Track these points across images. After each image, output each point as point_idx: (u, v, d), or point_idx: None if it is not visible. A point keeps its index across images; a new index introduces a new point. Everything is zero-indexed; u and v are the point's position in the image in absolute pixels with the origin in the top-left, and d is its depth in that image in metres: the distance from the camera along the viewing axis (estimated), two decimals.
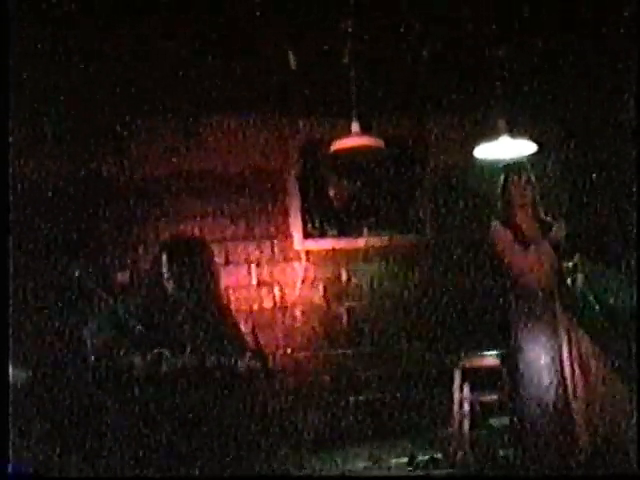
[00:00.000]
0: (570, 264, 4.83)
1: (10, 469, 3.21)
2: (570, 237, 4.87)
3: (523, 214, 4.96)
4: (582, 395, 4.69)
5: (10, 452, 3.16)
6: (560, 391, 4.69)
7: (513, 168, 5.05)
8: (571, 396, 4.67)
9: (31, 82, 4.91)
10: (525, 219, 4.95)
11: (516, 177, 4.97)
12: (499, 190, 5.05)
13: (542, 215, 4.96)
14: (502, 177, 5.04)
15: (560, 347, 4.73)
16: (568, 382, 4.70)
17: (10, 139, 3.29)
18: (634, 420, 4.59)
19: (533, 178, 4.96)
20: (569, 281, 4.79)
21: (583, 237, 4.92)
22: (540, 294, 4.82)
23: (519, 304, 4.93)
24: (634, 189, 4.82)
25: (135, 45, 5.29)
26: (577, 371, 4.73)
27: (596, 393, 4.72)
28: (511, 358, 4.99)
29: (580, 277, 4.81)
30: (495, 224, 5.04)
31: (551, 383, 4.72)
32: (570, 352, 4.75)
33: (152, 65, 5.56)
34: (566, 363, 4.73)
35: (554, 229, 4.90)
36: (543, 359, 4.78)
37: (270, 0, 4.91)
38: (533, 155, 5.54)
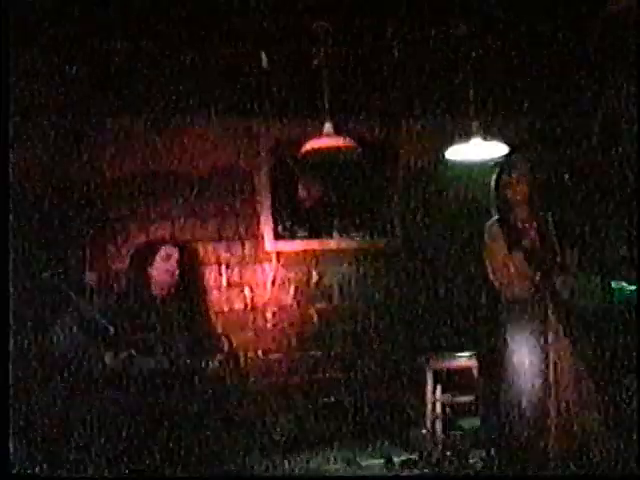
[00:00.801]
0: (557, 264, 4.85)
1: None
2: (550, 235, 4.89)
3: (517, 212, 4.97)
4: (558, 398, 4.70)
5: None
6: (539, 393, 4.70)
7: (506, 165, 5.06)
8: (549, 399, 4.69)
9: None
10: (518, 217, 4.96)
11: (510, 174, 4.97)
12: (493, 186, 5.03)
13: (537, 213, 4.96)
14: (495, 174, 5.04)
15: (545, 349, 4.74)
16: (548, 383, 4.71)
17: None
18: (604, 428, 4.62)
19: (527, 174, 4.96)
20: (557, 283, 4.80)
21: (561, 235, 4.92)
22: (531, 295, 4.83)
23: (509, 304, 4.93)
24: (609, 188, 4.87)
25: (104, 44, 5.25)
26: (557, 374, 4.75)
27: (571, 397, 4.73)
28: (494, 357, 4.99)
29: (563, 278, 4.82)
30: (490, 223, 5.03)
31: (532, 384, 4.73)
32: (553, 354, 4.76)
33: (120, 65, 5.50)
34: (549, 364, 4.74)
35: (537, 226, 4.92)
36: (528, 359, 4.79)
37: (243, 0, 4.89)
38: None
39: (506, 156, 5.42)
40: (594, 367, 4.72)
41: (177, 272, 4.96)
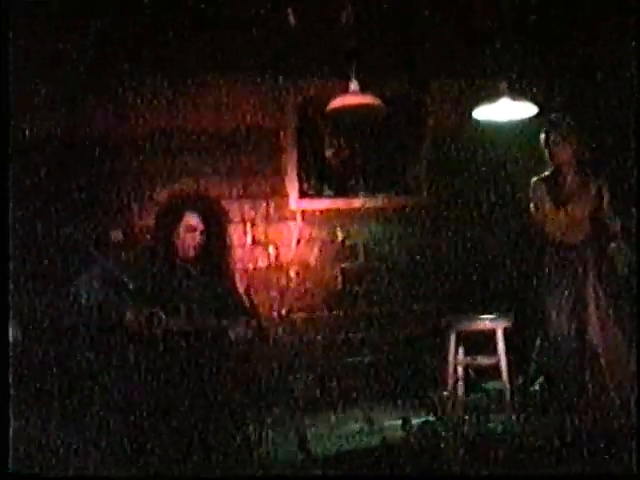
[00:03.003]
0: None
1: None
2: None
3: (565, 170, 4.99)
4: (602, 358, 4.72)
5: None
6: (577, 355, 4.72)
7: (554, 124, 5.08)
8: (586, 362, 4.70)
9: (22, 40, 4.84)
10: (567, 175, 4.99)
11: (557, 133, 5.00)
12: (542, 145, 5.17)
13: (584, 174, 4.99)
14: (543, 133, 5.18)
15: (586, 307, 4.76)
16: (585, 345, 4.72)
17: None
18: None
19: (573, 134, 4.99)
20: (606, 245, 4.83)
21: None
22: (573, 251, 4.86)
23: (550, 260, 4.96)
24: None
25: (131, 3, 5.22)
26: (599, 333, 4.75)
27: (612, 356, 4.74)
28: (528, 318, 5.04)
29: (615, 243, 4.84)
30: (535, 180, 5.17)
31: (570, 344, 4.74)
32: (594, 312, 4.77)
33: (147, 23, 5.48)
34: (590, 323, 4.75)
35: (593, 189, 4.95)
36: (566, 320, 4.80)
37: None
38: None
39: (554, 115, 5.38)
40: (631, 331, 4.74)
41: (201, 240, 4.93)
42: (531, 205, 5.22)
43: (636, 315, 4.66)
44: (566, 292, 4.91)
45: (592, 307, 4.84)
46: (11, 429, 2.97)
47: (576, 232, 4.99)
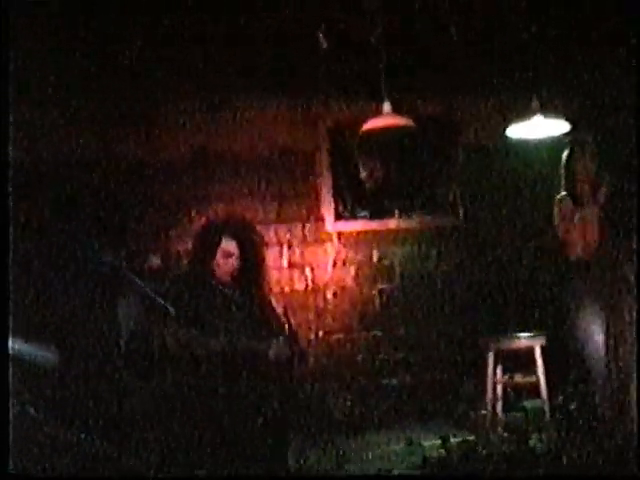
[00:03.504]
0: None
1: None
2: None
3: (584, 187, 4.99)
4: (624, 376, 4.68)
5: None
6: (608, 370, 4.70)
7: (578, 141, 5.10)
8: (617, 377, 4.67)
9: (57, 65, 4.94)
10: (585, 192, 5.01)
11: (581, 151, 5.02)
12: (563, 163, 5.18)
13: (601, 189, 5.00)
14: (567, 151, 5.18)
15: (614, 326, 4.73)
16: (616, 361, 4.70)
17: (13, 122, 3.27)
18: None
19: (596, 152, 5.00)
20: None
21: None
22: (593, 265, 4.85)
23: (575, 277, 4.96)
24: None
25: (164, 24, 5.28)
26: (625, 351, 4.72)
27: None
28: (562, 336, 5.02)
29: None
30: (560, 196, 5.18)
31: (602, 361, 4.72)
32: (621, 331, 4.73)
33: (180, 44, 5.54)
34: (617, 342, 4.72)
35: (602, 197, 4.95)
36: (597, 337, 4.78)
37: None
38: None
39: (578, 133, 5.39)
40: None
41: (238, 266, 4.97)
42: (555, 221, 5.22)
43: (636, 318, 4.61)
44: (595, 309, 4.88)
45: (626, 322, 4.79)
46: (11, 429, 3.00)
47: (594, 249, 4.97)
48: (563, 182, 5.21)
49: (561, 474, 4.28)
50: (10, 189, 2.76)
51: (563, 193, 5.19)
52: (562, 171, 5.21)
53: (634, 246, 4.86)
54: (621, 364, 4.70)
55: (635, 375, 4.62)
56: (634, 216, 4.77)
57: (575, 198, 5.13)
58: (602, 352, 4.80)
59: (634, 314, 4.77)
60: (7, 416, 2.91)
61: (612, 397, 4.71)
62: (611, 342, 4.73)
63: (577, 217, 5.05)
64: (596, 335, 4.85)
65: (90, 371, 4.73)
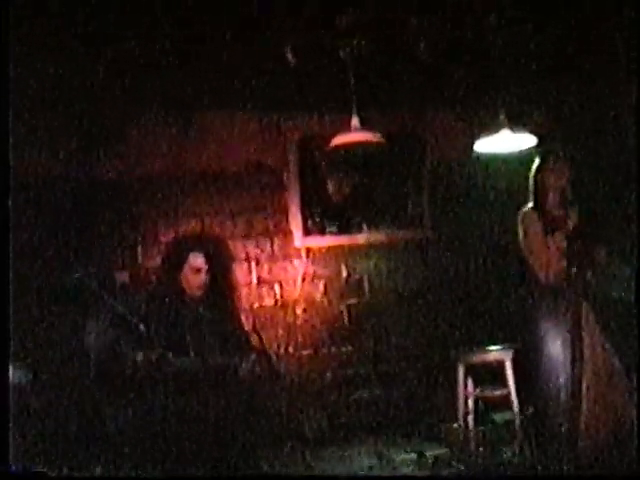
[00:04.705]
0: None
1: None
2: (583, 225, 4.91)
3: (553, 199, 5.00)
4: (592, 391, 4.68)
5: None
6: (574, 384, 4.69)
7: (549, 152, 5.11)
8: (582, 391, 4.66)
9: (27, 80, 4.89)
10: (554, 205, 4.99)
11: (551, 162, 5.03)
12: (532, 174, 5.13)
13: (568, 202, 5.00)
14: (537, 161, 5.14)
15: (579, 339, 4.73)
16: (581, 375, 4.69)
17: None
18: (634, 418, 4.59)
19: (567, 164, 5.01)
20: (586, 271, 4.82)
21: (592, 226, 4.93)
22: (565, 282, 4.84)
23: (544, 293, 4.95)
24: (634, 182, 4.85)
25: (131, 41, 5.26)
26: (591, 365, 4.73)
27: (603, 389, 4.71)
28: (529, 349, 5.01)
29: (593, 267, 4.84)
30: (525, 209, 5.13)
31: (567, 375, 4.71)
32: (587, 345, 4.74)
33: (148, 61, 5.52)
34: (583, 355, 4.73)
35: (570, 216, 4.95)
36: (562, 350, 4.78)
37: None
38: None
39: (547, 146, 5.42)
40: (627, 358, 4.71)
41: (206, 280, 4.96)
42: (520, 235, 5.16)
43: (636, 325, 4.65)
44: (560, 320, 4.88)
45: (587, 337, 4.81)
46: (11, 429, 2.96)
47: (562, 262, 4.96)
48: (531, 195, 5.16)
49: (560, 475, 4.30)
50: None
51: (529, 206, 5.14)
52: (530, 183, 5.17)
53: (601, 261, 4.92)
54: (579, 377, 4.71)
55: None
56: (604, 228, 4.83)
57: (543, 211, 5.09)
58: (567, 365, 4.81)
59: (597, 329, 4.81)
60: (7, 416, 2.88)
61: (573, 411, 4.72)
62: (569, 354, 4.75)
63: (544, 231, 5.00)
64: (561, 349, 4.85)
65: (61, 389, 4.66)
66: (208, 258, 5.01)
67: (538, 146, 5.55)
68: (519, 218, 5.13)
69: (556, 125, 6.41)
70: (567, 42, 5.61)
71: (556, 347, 4.85)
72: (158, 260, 5.78)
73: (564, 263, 4.83)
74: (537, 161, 5.14)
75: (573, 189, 4.97)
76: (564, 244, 4.87)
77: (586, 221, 4.93)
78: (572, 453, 4.58)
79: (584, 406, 4.65)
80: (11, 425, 3.11)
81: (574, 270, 4.77)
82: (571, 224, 4.89)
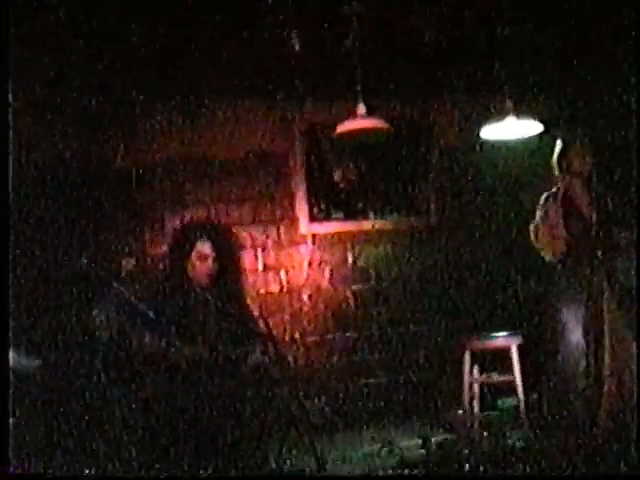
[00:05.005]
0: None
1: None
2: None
3: (578, 185, 4.99)
4: (611, 378, 4.71)
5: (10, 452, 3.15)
6: (590, 369, 4.72)
7: (572, 137, 5.10)
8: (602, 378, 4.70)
9: (33, 66, 4.90)
10: (579, 191, 4.99)
11: (576, 146, 5.02)
12: (555, 158, 5.11)
13: (596, 189, 4.99)
14: (559, 146, 5.11)
15: (598, 325, 4.75)
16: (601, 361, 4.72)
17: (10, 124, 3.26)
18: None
19: (591, 148, 4.99)
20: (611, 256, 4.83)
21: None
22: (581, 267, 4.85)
23: (562, 278, 4.96)
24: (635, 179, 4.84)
25: (140, 29, 5.26)
26: (609, 351, 4.75)
27: (622, 376, 4.73)
28: (541, 335, 5.03)
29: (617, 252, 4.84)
30: (548, 194, 5.11)
31: (584, 360, 4.74)
32: (607, 331, 4.76)
33: (154, 49, 5.52)
34: (601, 341, 4.75)
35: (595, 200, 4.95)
36: (580, 336, 4.81)
37: None
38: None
39: (569, 130, 5.39)
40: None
41: (214, 268, 4.97)
42: (537, 221, 5.19)
43: (636, 316, 4.66)
44: (579, 306, 4.90)
45: (605, 320, 4.83)
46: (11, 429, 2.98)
47: (585, 246, 4.97)
48: (555, 179, 5.15)
49: (561, 475, 4.30)
50: None
51: (553, 190, 5.13)
52: (554, 167, 5.15)
53: (624, 246, 4.91)
54: (600, 362, 4.74)
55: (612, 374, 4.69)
56: (626, 214, 4.81)
57: (567, 196, 5.07)
58: (580, 350, 4.83)
59: (613, 312, 4.82)
60: (7, 416, 2.90)
61: (589, 396, 4.75)
62: (590, 340, 4.76)
63: (567, 216, 5.02)
64: (574, 333, 4.88)
65: (69, 377, 4.68)
66: (215, 246, 5.01)
67: (560, 131, 5.49)
68: (541, 202, 5.13)
69: (573, 110, 6.37)
70: (574, 29, 5.60)
71: (576, 333, 4.87)
72: (165, 247, 5.78)
73: (585, 248, 4.85)
74: (559, 145, 5.12)
75: (597, 174, 4.97)
76: (588, 229, 4.88)
77: (610, 206, 4.94)
78: (589, 439, 4.62)
79: (603, 393, 4.69)
80: (16, 415, 3.14)
81: (599, 255, 4.80)
82: (596, 209, 4.89)
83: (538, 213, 5.14)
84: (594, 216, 4.91)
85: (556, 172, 5.14)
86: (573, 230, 4.97)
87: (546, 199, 5.13)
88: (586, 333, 4.79)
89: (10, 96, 3.22)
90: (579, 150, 5.04)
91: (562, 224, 4.99)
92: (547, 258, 5.09)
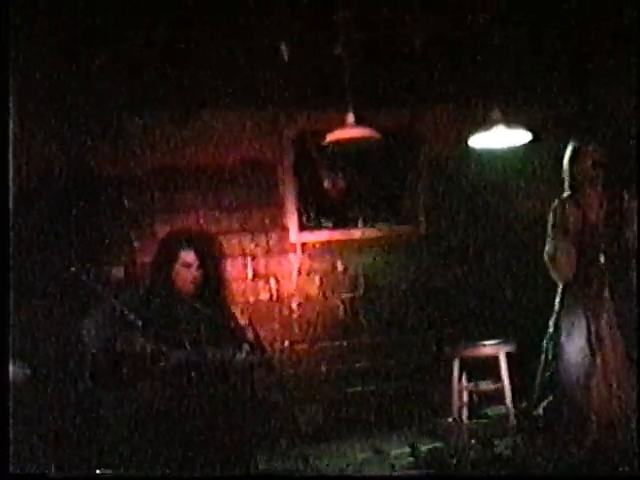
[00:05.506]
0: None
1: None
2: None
3: (591, 190, 4.99)
4: (605, 385, 4.72)
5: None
6: (587, 378, 4.73)
7: (583, 142, 5.04)
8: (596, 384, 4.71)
9: (26, 75, 4.91)
10: (593, 195, 4.97)
11: (586, 152, 4.98)
12: (567, 163, 5.05)
13: (611, 194, 4.96)
14: (570, 151, 5.04)
15: (598, 334, 4.75)
16: (596, 369, 4.73)
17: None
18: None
19: (604, 152, 4.98)
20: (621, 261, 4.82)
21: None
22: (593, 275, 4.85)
23: (567, 285, 4.94)
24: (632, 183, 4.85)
25: (128, 38, 5.28)
26: (607, 360, 4.75)
27: (617, 383, 4.73)
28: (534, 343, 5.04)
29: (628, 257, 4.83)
30: (558, 200, 5.04)
31: (582, 369, 4.75)
32: (606, 339, 4.77)
33: (145, 58, 5.55)
34: (600, 350, 4.75)
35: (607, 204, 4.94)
36: (578, 344, 4.81)
37: None
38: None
39: (582, 135, 5.37)
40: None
41: (199, 275, 5.01)
42: (549, 226, 5.05)
43: (636, 316, 4.66)
44: (580, 312, 4.88)
45: (605, 327, 4.82)
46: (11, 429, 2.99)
47: (598, 249, 4.93)
48: (567, 184, 5.06)
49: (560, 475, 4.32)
50: None
51: (566, 194, 5.04)
52: (566, 172, 5.06)
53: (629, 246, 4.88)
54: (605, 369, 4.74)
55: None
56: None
57: (578, 200, 5.00)
58: (580, 358, 4.82)
59: (615, 320, 4.82)
60: (7, 416, 2.90)
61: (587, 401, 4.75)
62: (594, 347, 4.76)
63: (580, 220, 4.94)
64: (575, 340, 4.87)
65: (58, 385, 4.68)
66: (199, 254, 5.07)
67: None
68: (552, 207, 5.04)
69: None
70: (563, 36, 5.64)
71: (572, 341, 4.87)
72: (152, 256, 5.80)
73: (593, 254, 4.84)
74: (570, 150, 5.04)
75: (608, 177, 4.95)
76: (596, 234, 4.88)
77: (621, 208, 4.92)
78: (582, 446, 4.63)
79: (597, 400, 4.69)
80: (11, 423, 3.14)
81: (606, 259, 4.79)
82: (608, 213, 4.90)
83: (550, 217, 5.11)
84: (603, 221, 4.90)
85: (566, 176, 5.07)
86: (585, 235, 4.94)
87: (560, 203, 5.03)
88: (587, 341, 4.78)
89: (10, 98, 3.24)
90: (593, 154, 4.99)
91: (576, 230, 4.95)
92: (558, 280, 5.03)
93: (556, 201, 5.03)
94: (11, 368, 3.66)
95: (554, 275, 4.93)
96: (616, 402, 4.70)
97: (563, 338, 4.93)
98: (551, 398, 4.99)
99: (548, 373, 5.00)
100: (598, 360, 4.74)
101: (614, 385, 4.72)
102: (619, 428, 4.64)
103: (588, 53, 5.91)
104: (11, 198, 3.76)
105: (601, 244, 4.85)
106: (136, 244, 6.15)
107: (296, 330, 6.39)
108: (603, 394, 4.71)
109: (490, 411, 6.00)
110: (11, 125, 3.19)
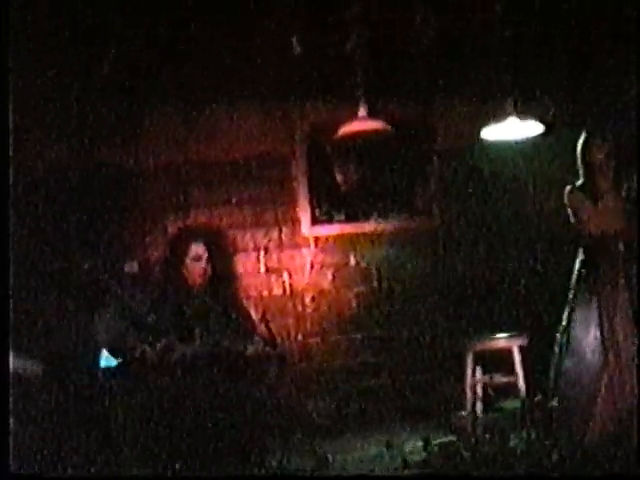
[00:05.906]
0: None
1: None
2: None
3: (603, 179, 4.97)
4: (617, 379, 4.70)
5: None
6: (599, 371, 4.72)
7: (595, 132, 5.06)
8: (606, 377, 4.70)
9: (36, 72, 4.93)
10: (605, 184, 4.99)
11: (598, 141, 4.99)
12: (579, 153, 5.08)
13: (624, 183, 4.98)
14: (582, 140, 5.07)
15: (612, 326, 4.74)
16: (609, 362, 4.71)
17: (11, 128, 3.27)
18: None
19: (615, 141, 4.97)
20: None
21: None
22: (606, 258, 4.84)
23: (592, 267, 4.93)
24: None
25: (141, 32, 5.29)
26: (620, 352, 4.74)
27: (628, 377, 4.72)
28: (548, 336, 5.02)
29: None
30: (570, 188, 5.09)
31: (596, 362, 4.74)
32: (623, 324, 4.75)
33: (157, 52, 5.55)
34: (612, 343, 4.74)
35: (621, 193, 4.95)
36: (592, 337, 4.80)
37: None
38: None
39: (594, 123, 5.36)
40: None
41: (209, 268, 5.03)
42: (569, 212, 5.12)
43: (636, 313, 4.65)
44: (595, 303, 4.86)
45: (619, 319, 4.79)
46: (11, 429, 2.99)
47: (614, 235, 4.92)
48: (581, 172, 5.10)
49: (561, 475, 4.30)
50: None
51: (578, 183, 5.10)
52: (579, 161, 5.10)
53: None
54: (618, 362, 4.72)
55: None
56: None
57: (592, 189, 5.06)
58: (593, 350, 4.81)
59: (630, 312, 4.79)
60: (7, 416, 2.91)
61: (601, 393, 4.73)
62: (607, 340, 4.74)
63: (595, 209, 5.00)
64: (589, 332, 4.85)
65: (70, 381, 4.69)
66: (208, 247, 5.10)
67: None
68: (566, 196, 5.10)
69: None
70: (575, 28, 5.61)
71: (585, 334, 4.86)
72: (164, 251, 5.82)
73: (607, 244, 4.83)
74: (583, 139, 5.08)
75: (621, 166, 4.95)
76: (616, 217, 4.87)
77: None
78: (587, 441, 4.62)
79: (609, 391, 4.68)
80: (14, 420, 3.15)
81: (622, 246, 4.78)
82: (622, 201, 4.89)
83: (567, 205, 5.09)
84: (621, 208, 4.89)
85: (580, 164, 5.10)
86: (604, 225, 4.92)
87: (573, 192, 5.09)
88: (603, 333, 4.76)
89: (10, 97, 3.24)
90: (605, 143, 4.99)
91: (591, 219, 4.95)
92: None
93: (568, 187, 5.06)
94: (22, 364, 3.67)
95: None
96: (629, 394, 4.68)
97: (577, 330, 4.91)
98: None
99: (562, 365, 4.99)
100: (611, 352, 4.72)
101: (627, 376, 4.70)
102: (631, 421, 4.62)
103: (598, 44, 5.86)
104: (20, 195, 3.75)
105: (616, 233, 4.84)
106: (149, 240, 6.16)
107: (309, 324, 6.39)
108: (616, 385, 4.69)
109: (504, 404, 5.97)
110: (10, 126, 3.17)
